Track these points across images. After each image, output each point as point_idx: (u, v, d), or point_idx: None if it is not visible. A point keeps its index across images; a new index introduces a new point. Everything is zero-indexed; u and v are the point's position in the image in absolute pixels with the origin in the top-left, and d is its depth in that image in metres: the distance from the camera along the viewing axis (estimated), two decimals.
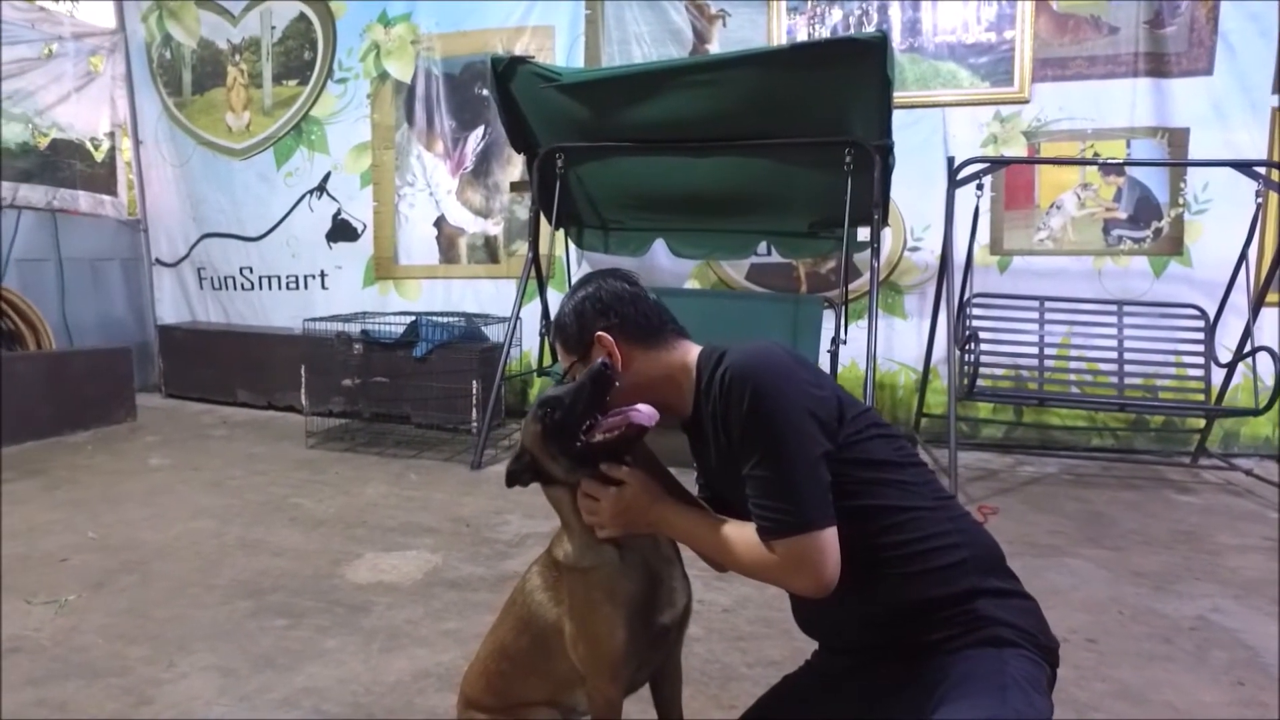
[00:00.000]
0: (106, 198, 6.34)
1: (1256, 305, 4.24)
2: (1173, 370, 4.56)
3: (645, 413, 1.32)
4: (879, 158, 4.01)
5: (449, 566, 2.95)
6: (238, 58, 6.16)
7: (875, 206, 4.07)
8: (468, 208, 5.73)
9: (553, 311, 5.03)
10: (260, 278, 6.31)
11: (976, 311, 4.59)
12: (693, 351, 1.44)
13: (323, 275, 6.14)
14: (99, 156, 6.25)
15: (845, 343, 4.22)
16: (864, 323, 4.72)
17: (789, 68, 3.91)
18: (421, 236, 5.86)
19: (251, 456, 4.53)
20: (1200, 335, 4.48)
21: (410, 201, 5.86)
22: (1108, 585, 2.86)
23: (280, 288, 6.27)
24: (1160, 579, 2.92)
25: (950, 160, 4.33)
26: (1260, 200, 4.14)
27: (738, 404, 1.26)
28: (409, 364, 4.94)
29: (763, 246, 5.03)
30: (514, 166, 5.56)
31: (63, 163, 5.98)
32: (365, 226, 5.98)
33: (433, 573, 2.89)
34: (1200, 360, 4.46)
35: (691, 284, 5.43)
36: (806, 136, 4.11)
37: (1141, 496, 4.03)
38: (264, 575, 2.85)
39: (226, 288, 6.43)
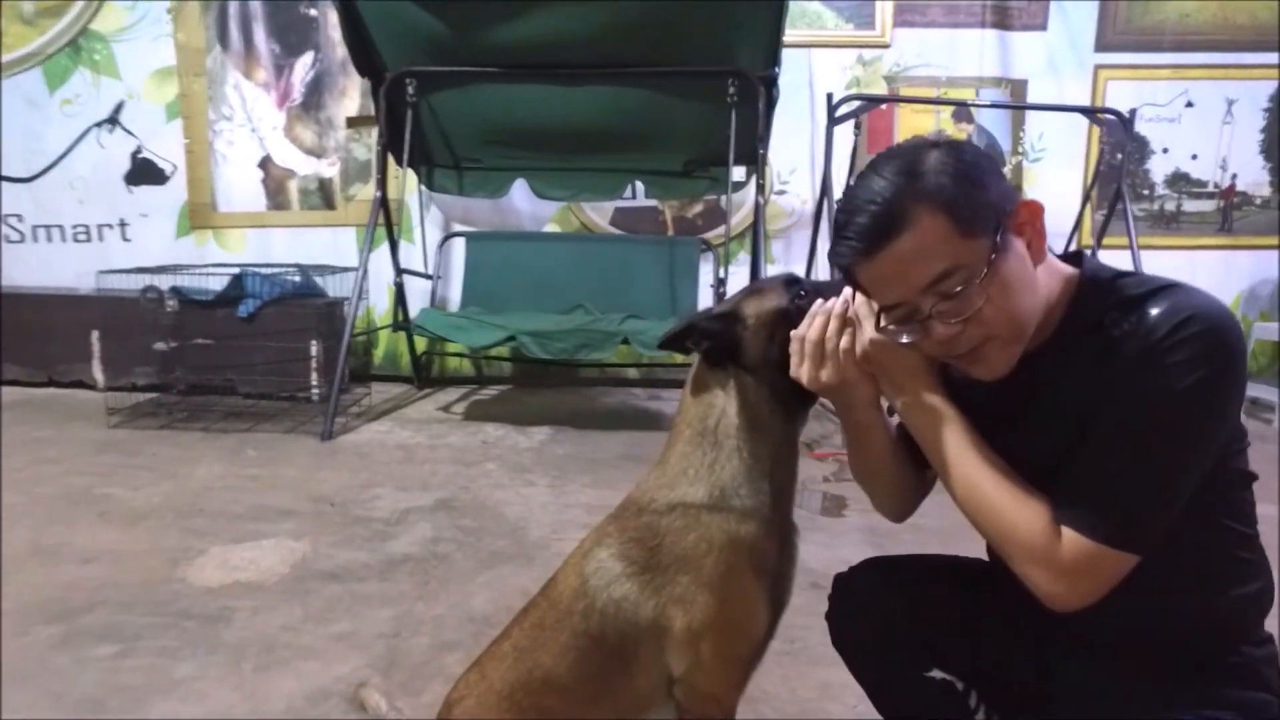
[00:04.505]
0: None
1: (1096, 245, 4.51)
2: None
3: None
4: (764, 89, 3.87)
5: (321, 555, 2.49)
6: None
7: (760, 141, 3.96)
8: (298, 146, 5.08)
9: (404, 262, 4.56)
10: (35, 227, 5.24)
11: None
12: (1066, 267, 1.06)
13: (123, 225, 5.21)
14: None
15: (726, 286, 4.13)
16: (737, 266, 4.64)
17: None
18: (245, 179, 5.13)
19: (35, 442, 3.74)
20: None
21: (229, 139, 5.09)
22: None
23: (65, 240, 5.24)
24: None
25: (829, 97, 4.27)
26: (1105, 145, 4.39)
27: (1179, 366, 0.91)
28: (234, 324, 4.35)
29: (629, 190, 4.78)
30: (350, 100, 4.99)
31: None
32: (175, 168, 5.14)
33: (301, 564, 2.42)
34: None
35: (552, 228, 5.13)
36: (690, 65, 3.88)
37: None
38: (73, 590, 2.24)
39: None
